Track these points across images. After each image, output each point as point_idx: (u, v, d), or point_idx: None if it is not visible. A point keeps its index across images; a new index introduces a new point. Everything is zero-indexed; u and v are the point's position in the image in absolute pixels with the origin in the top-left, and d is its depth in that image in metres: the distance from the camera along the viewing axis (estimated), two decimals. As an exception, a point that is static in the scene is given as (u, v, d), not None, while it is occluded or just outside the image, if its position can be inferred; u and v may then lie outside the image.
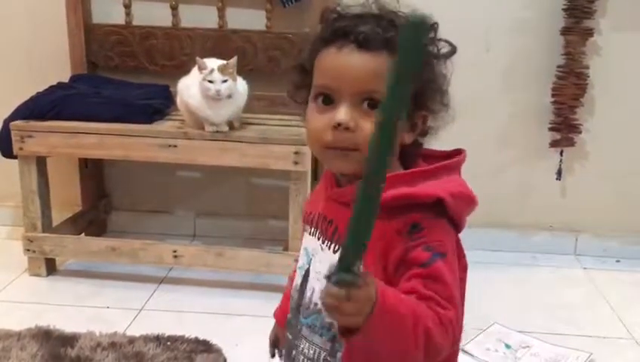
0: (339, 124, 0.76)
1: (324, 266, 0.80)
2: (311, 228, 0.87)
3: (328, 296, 0.61)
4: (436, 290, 0.71)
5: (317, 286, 0.82)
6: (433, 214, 0.76)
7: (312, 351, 0.82)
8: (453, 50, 0.81)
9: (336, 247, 0.80)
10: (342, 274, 0.60)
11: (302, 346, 0.84)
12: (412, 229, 0.75)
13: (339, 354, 0.80)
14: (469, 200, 0.79)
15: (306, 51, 0.83)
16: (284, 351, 0.90)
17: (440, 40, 0.81)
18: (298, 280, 0.87)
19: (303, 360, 0.83)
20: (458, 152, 0.84)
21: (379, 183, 0.59)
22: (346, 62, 0.77)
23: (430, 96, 0.80)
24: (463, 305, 0.78)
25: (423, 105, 0.80)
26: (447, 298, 0.72)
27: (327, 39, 0.80)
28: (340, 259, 0.61)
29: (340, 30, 0.78)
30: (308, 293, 0.84)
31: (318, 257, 0.84)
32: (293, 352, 0.86)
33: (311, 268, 0.85)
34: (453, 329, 0.72)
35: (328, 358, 0.81)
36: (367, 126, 0.75)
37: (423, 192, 0.75)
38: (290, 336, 0.88)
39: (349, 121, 0.76)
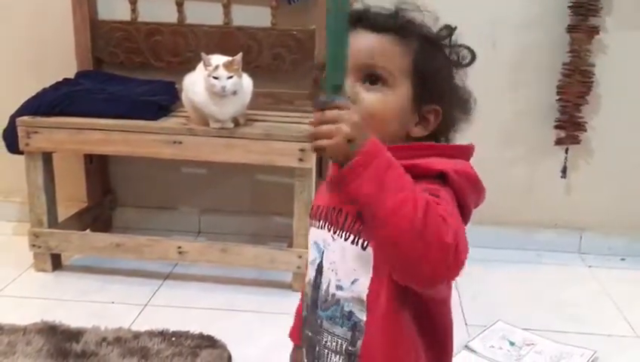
0: None
1: (338, 255, 0.82)
2: (319, 222, 0.87)
3: (319, 122, 0.65)
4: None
5: (332, 276, 0.83)
6: (432, 180, 0.76)
7: (334, 343, 0.83)
8: (472, 58, 0.84)
9: (348, 235, 0.81)
10: (332, 95, 0.67)
11: (325, 339, 0.85)
12: None
13: (359, 343, 0.80)
14: (473, 182, 0.78)
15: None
16: (305, 350, 0.90)
17: (460, 45, 0.85)
18: (311, 274, 0.88)
19: (328, 353, 0.84)
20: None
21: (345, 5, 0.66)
22: (352, 41, 0.80)
23: (440, 90, 0.82)
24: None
25: (433, 98, 0.82)
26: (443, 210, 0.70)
27: None
28: (327, 81, 0.66)
29: (354, 15, 0.82)
30: (324, 286, 0.85)
31: (331, 248, 0.84)
32: (317, 348, 0.86)
33: (324, 260, 0.85)
34: (454, 232, 0.68)
35: (350, 348, 0.81)
36: (368, 98, 0.79)
37: (425, 164, 0.76)
38: (309, 333, 0.88)
39: (349, 92, 0.78)
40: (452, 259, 0.68)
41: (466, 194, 0.77)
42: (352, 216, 0.81)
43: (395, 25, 0.81)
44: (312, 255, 0.88)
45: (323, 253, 0.86)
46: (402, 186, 0.68)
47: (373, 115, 0.79)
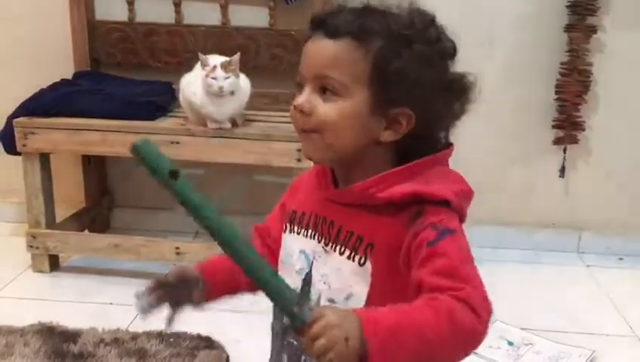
0: (294, 107, 0.80)
1: (331, 269, 0.81)
2: (307, 231, 0.86)
3: (305, 348, 0.66)
4: (440, 270, 0.71)
5: (324, 290, 0.82)
6: (435, 205, 0.77)
7: None
8: (453, 48, 0.81)
9: (343, 249, 0.80)
10: (301, 314, 0.66)
11: None
12: (415, 215, 0.76)
13: None
14: (469, 196, 0.81)
15: None
16: (286, 356, 0.88)
17: (442, 35, 0.81)
18: (297, 284, 0.85)
19: None
20: (446, 146, 0.84)
21: (239, 247, 0.66)
22: (310, 49, 0.81)
23: (407, 89, 0.77)
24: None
25: (401, 99, 0.77)
26: (450, 274, 0.71)
27: (308, 33, 0.83)
28: (285, 315, 0.67)
29: (316, 21, 0.81)
30: (314, 298, 0.83)
31: (322, 260, 0.83)
32: (303, 358, 0.85)
33: (314, 271, 0.84)
34: (473, 304, 0.72)
35: None
36: (320, 110, 0.78)
37: (430, 191, 0.76)
38: (295, 342, 0.86)
39: (303, 103, 0.79)
40: (485, 326, 0.74)
41: (465, 208, 0.80)
42: (346, 230, 0.80)
43: (354, 28, 0.76)
44: (299, 264, 0.86)
45: (312, 263, 0.84)
46: (421, 332, 0.68)
47: (328, 125, 0.78)
